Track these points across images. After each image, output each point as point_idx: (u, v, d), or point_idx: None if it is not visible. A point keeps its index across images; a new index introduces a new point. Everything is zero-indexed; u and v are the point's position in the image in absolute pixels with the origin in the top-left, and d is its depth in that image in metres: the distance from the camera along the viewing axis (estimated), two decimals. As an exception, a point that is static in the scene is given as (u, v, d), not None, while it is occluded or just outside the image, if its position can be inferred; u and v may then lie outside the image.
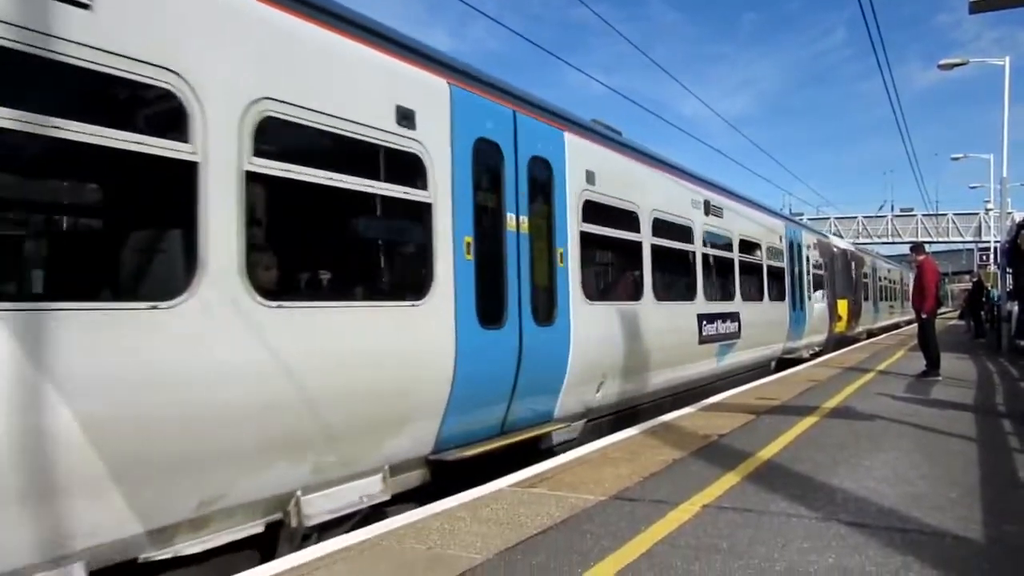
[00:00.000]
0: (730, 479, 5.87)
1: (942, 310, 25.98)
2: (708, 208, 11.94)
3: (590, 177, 8.31)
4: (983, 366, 15.73)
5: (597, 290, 8.98)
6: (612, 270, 10.00)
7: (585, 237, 8.17)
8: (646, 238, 9.54)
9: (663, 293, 10.12)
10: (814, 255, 19.21)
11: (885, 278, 35.20)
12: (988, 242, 45.36)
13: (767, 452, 6.86)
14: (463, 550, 4.33)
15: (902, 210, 62.48)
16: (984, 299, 28.41)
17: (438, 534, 4.64)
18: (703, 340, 11.34)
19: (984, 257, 41.05)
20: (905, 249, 42.06)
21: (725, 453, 6.87)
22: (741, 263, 13.37)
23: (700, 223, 11.48)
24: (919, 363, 13.84)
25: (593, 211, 8.35)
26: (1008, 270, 23.58)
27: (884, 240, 59.53)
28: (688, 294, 11.12)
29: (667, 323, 10.04)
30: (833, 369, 15.05)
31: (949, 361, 15.08)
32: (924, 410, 9.34)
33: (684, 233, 11.02)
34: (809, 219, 44.75)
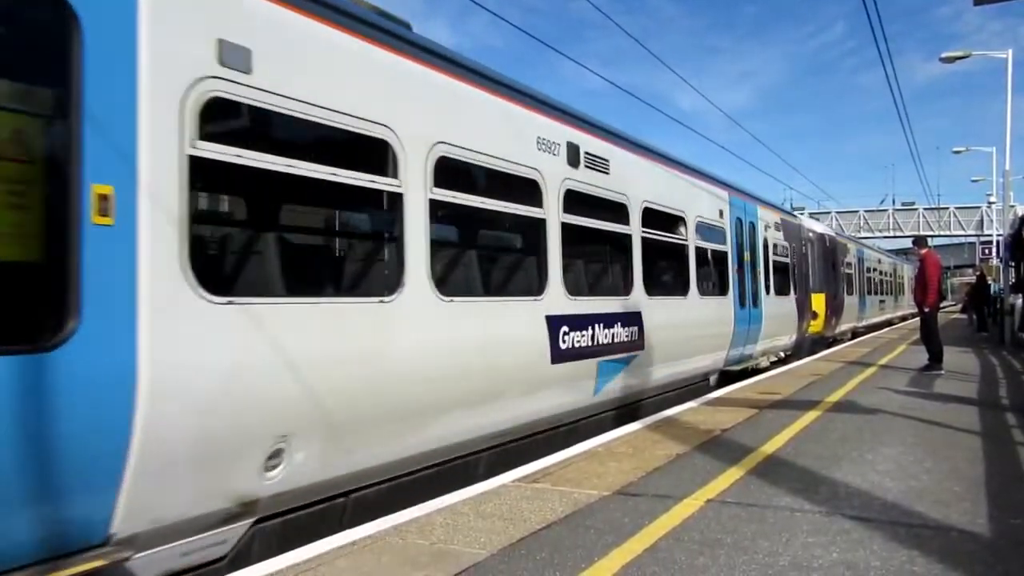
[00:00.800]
0: (734, 473, 5.86)
1: (944, 304, 25.72)
2: (577, 156, 8.03)
3: (228, 53, 4.40)
4: (986, 360, 15.71)
5: (256, 275, 5.24)
6: (311, 239, 6.34)
7: (210, 169, 4.36)
8: (414, 189, 5.71)
9: (459, 284, 6.77)
10: (776, 238, 15.86)
11: (875, 269, 31.69)
12: (990, 236, 45.34)
13: (770, 446, 6.84)
14: (467, 545, 4.32)
15: (904, 204, 62.59)
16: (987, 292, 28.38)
17: (442, 529, 4.63)
18: (561, 356, 7.37)
19: (986, 251, 41.00)
20: (907, 243, 41.95)
21: (728, 447, 6.86)
22: (647, 243, 9.46)
23: (558, 177, 7.58)
24: (921, 357, 13.80)
25: (239, 121, 4.79)
26: (1011, 263, 23.54)
27: (886, 234, 59.58)
28: (528, 285, 7.39)
29: (464, 333, 6.20)
30: (835, 363, 15.02)
31: (952, 355, 15.06)
32: (927, 404, 9.32)
33: (519, 190, 7.17)
34: (810, 213, 44.43)
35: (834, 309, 21.60)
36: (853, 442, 6.99)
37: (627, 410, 9.21)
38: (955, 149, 41.66)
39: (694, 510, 4.91)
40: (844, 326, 24.05)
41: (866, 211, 61.81)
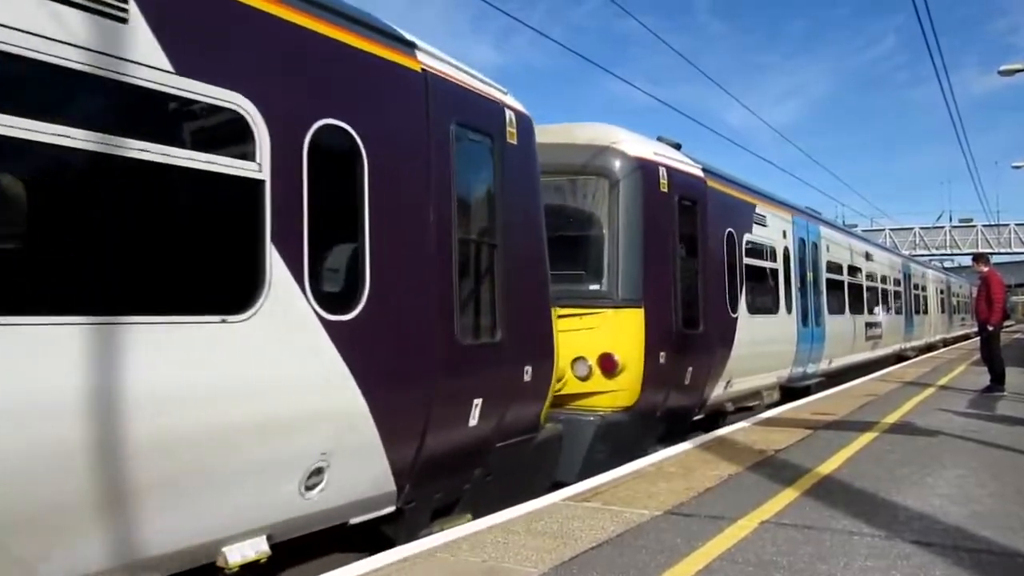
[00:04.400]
0: (788, 495, 5.76)
1: (1007, 323, 24.33)
2: None
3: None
4: (1051, 381, 15.15)
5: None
6: None
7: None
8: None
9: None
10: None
11: (855, 269, 17.72)
12: (1054, 253, 43.85)
13: (826, 468, 6.71)
14: (518, 563, 4.32)
15: (961, 221, 60.78)
16: None
17: (493, 547, 4.65)
18: None
19: (1050, 268, 39.55)
20: (964, 261, 40.65)
21: (782, 468, 6.74)
22: None
23: None
24: (982, 378, 13.40)
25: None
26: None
27: (943, 252, 58.07)
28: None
29: None
30: (892, 383, 14.66)
31: (1015, 376, 14.55)
32: (990, 426, 9.04)
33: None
34: (863, 231, 42.72)
35: (685, 345, 8.79)
36: (912, 464, 6.81)
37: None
38: (1015, 164, 40.40)
39: (748, 531, 4.84)
40: (746, 381, 10.82)
41: (921, 228, 60.28)
